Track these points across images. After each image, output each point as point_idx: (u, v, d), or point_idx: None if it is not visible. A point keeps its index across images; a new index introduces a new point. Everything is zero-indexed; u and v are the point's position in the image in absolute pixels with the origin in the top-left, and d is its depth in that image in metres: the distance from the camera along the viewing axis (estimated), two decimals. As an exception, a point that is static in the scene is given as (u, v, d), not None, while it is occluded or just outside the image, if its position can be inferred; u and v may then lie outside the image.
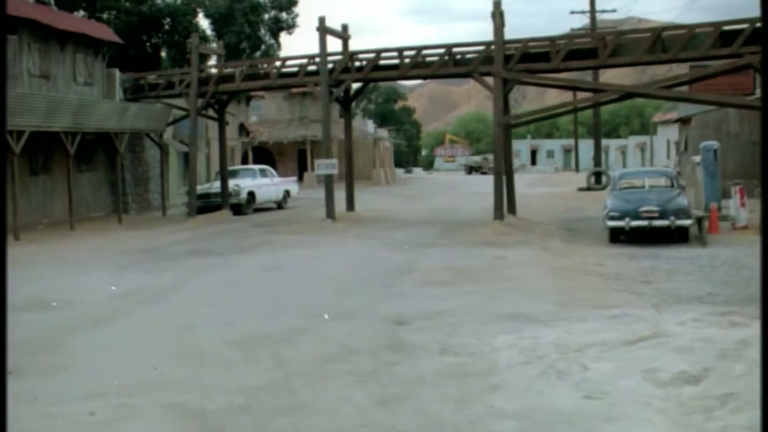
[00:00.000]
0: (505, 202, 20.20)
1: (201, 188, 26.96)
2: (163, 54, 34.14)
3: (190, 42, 27.57)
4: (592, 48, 20.00)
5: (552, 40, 20.34)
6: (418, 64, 21.97)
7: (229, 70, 25.26)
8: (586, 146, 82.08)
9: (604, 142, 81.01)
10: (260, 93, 39.75)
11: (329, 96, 22.56)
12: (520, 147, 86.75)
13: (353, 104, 76.60)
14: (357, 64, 22.69)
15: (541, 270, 12.75)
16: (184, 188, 30.97)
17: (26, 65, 22.14)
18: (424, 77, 23.94)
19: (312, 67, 23.00)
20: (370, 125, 60.90)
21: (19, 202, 20.56)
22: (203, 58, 28.19)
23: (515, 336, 7.68)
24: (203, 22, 33.90)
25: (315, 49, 22.72)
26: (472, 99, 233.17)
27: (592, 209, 22.30)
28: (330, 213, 22.09)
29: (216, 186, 26.91)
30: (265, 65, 25.20)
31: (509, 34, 20.55)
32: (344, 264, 14.33)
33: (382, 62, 22.50)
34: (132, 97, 25.76)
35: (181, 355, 7.54)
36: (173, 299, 10.92)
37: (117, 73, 26.25)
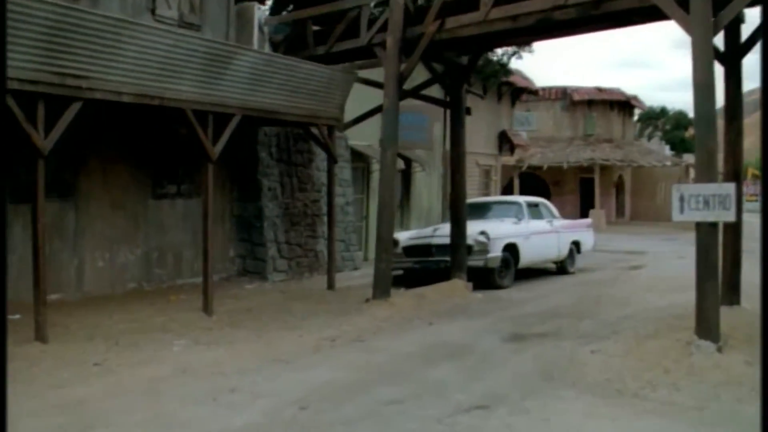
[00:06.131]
0: None
1: (415, 236, 14.09)
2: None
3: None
4: None
5: None
6: None
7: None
8: None
9: None
10: (534, 86, 25.87)
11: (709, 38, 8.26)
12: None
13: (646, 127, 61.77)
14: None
15: None
16: (401, 231, 18.21)
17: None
18: None
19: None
20: (666, 150, 46.50)
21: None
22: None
23: None
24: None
25: None
26: (750, 135, 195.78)
27: None
28: (708, 326, 7.56)
29: (443, 231, 13.64)
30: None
31: None
32: None
33: None
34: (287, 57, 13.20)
35: None
36: None
37: (256, 10, 13.47)
